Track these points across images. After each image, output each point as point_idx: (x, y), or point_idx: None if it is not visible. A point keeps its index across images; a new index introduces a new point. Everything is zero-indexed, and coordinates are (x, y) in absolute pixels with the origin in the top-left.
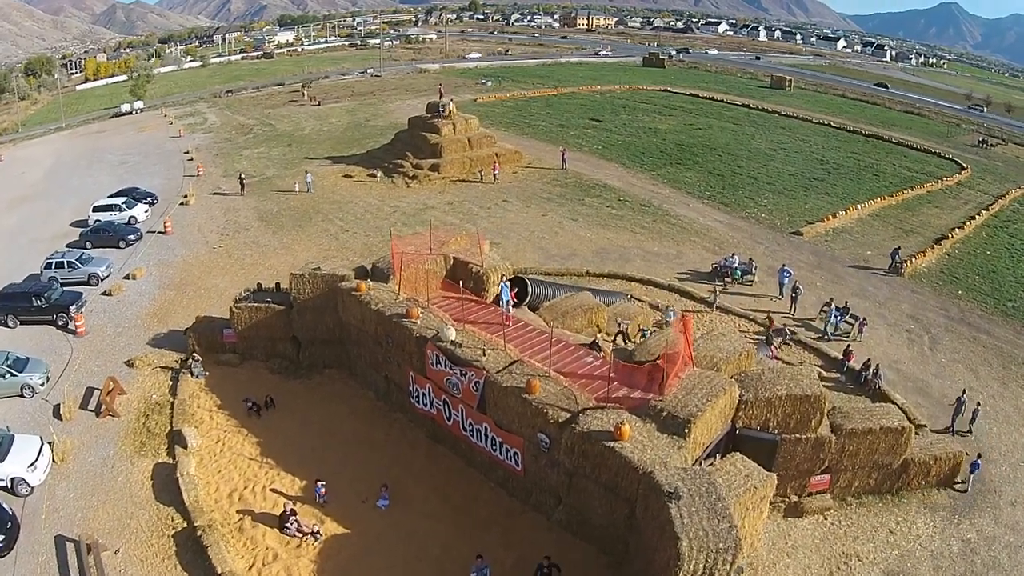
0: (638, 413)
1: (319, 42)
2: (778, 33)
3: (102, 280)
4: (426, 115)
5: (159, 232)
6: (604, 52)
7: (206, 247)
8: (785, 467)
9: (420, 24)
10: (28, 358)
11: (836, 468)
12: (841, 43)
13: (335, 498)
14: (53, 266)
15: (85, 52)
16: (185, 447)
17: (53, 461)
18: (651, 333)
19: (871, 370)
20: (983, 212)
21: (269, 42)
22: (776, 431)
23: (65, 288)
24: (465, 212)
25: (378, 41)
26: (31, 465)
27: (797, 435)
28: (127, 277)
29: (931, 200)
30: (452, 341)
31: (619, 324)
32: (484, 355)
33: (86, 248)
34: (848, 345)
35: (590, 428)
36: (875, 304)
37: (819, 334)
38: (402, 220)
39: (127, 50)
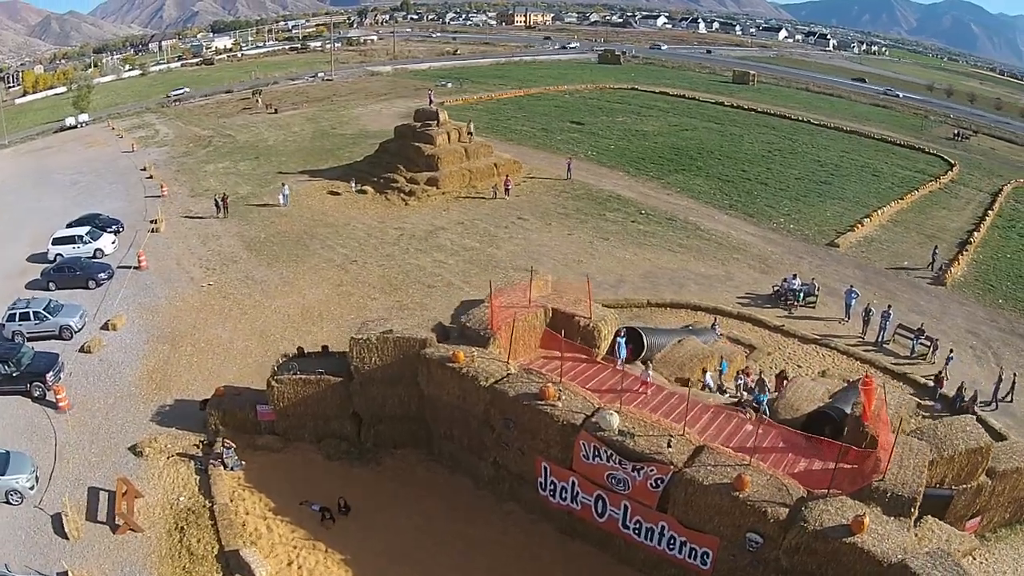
0: (857, 497)
1: (257, 46)
2: (716, 25)
3: (76, 332)
4: (415, 123)
5: (133, 267)
6: (572, 45)
7: (192, 285)
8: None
9: (356, 26)
10: (8, 452)
11: (984, 509)
12: (782, 33)
13: None
14: (17, 317)
15: (22, 65)
16: None
17: None
18: (784, 381)
19: (969, 396)
20: (989, 213)
21: (207, 48)
22: (950, 485)
23: (34, 344)
24: (482, 233)
25: (319, 44)
26: None
27: (964, 485)
28: (105, 327)
29: (936, 201)
30: (620, 431)
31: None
32: (669, 446)
33: (49, 289)
34: (940, 371)
35: (824, 524)
36: (932, 320)
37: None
38: (415, 245)
39: (63, 61)
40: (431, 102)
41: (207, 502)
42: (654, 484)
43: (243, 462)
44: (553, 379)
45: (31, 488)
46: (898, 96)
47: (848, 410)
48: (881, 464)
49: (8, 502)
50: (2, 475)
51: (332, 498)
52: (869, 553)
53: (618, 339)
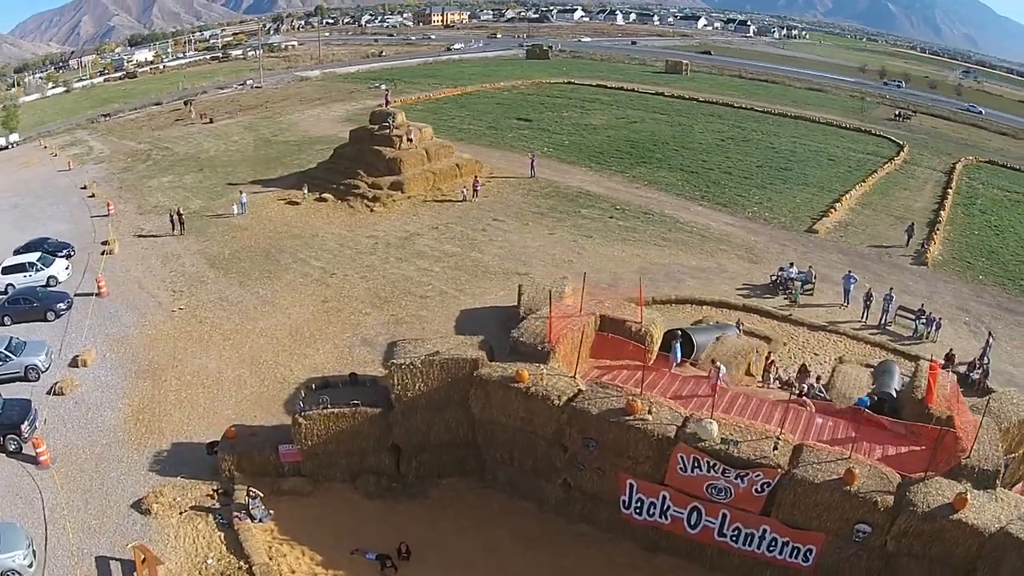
0: (948, 476)
1: (177, 57)
2: (633, 16)
3: (43, 372)
4: (372, 126)
5: (93, 295)
6: (457, 46)
7: (161, 311)
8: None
9: (274, 32)
10: None
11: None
12: (702, 21)
13: None
14: None
15: None
16: None
17: None
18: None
19: (980, 371)
20: (949, 192)
21: (129, 61)
22: (1005, 456)
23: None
24: (460, 237)
25: (240, 52)
26: None
27: (1013, 455)
28: (74, 364)
29: (895, 182)
30: (723, 439)
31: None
32: (775, 449)
33: (4, 324)
34: (951, 349)
35: (930, 506)
36: (923, 299)
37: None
38: (393, 254)
39: None
40: (387, 103)
41: (241, 563)
42: (759, 489)
43: (271, 511)
44: (634, 391)
45: (30, 566)
46: (980, 113)
47: (892, 392)
48: (965, 443)
49: None
50: None
51: (383, 540)
52: (972, 527)
53: (673, 343)
